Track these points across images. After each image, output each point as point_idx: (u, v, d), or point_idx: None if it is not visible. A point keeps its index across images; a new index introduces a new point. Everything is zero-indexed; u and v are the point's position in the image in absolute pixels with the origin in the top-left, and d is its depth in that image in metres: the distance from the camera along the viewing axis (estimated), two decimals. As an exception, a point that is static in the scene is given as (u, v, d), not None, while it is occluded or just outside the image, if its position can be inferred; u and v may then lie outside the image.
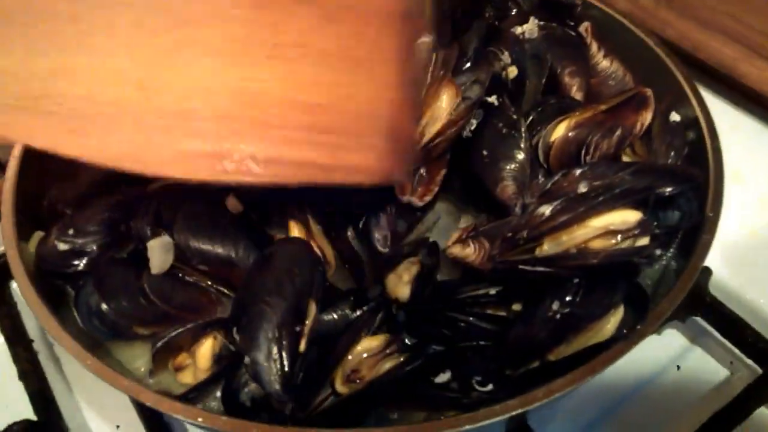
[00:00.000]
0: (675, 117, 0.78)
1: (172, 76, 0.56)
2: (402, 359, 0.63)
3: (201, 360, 0.65)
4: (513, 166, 0.71)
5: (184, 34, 0.57)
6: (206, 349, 0.65)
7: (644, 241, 0.64)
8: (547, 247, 0.64)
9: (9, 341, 0.81)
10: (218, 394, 0.64)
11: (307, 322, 0.61)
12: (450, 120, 0.70)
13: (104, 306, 0.66)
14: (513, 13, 0.88)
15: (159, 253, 0.67)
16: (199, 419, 0.55)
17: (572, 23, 0.88)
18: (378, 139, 0.60)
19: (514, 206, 0.70)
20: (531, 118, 0.78)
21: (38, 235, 0.73)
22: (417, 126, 0.66)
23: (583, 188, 0.66)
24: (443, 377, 0.63)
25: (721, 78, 1.00)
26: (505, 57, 0.79)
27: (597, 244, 0.64)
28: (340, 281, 0.73)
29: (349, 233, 0.72)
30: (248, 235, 0.70)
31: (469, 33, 0.81)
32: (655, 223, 0.65)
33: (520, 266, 0.65)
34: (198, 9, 0.57)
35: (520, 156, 0.72)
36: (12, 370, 0.79)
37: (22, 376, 0.78)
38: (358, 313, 0.66)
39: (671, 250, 0.70)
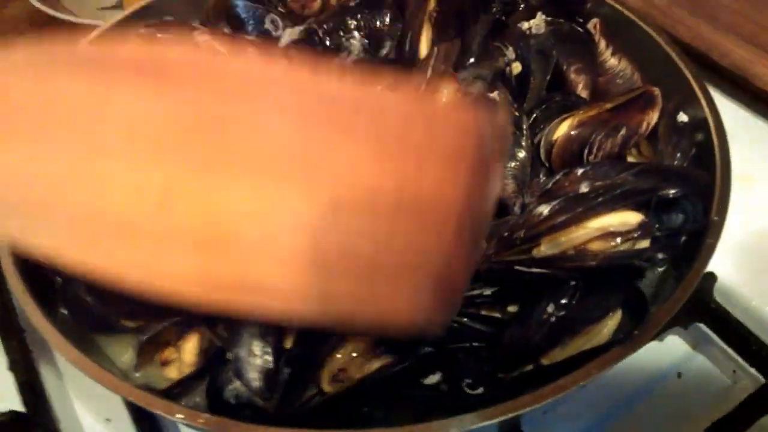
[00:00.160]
0: (683, 117, 0.76)
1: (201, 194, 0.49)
2: (391, 359, 0.61)
3: (186, 355, 0.64)
4: (513, 164, 0.70)
5: (220, 140, 0.49)
6: (192, 344, 0.64)
7: (644, 243, 0.63)
8: (545, 248, 0.63)
9: (1, 331, 0.80)
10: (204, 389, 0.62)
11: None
12: (450, 116, 0.69)
13: (91, 298, 0.65)
14: (521, 9, 0.86)
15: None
16: (178, 416, 0.54)
17: (581, 20, 0.86)
18: (425, 286, 0.51)
19: (514, 205, 0.68)
20: (534, 115, 0.76)
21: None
22: (468, 281, 0.57)
23: (584, 188, 0.64)
24: (433, 379, 0.61)
25: (734, 79, 0.98)
26: (510, 52, 0.78)
27: (596, 246, 0.62)
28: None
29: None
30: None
31: (475, 28, 0.79)
32: (657, 226, 0.64)
33: (516, 267, 0.63)
34: (238, 115, 0.49)
35: (521, 154, 0.70)
36: (3, 361, 0.78)
37: (12, 366, 0.77)
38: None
39: (674, 254, 0.67)
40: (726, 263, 0.77)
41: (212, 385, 0.61)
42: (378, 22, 0.83)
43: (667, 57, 0.80)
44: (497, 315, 0.66)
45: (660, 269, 0.68)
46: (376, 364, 0.61)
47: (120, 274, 0.50)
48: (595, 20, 0.85)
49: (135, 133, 0.49)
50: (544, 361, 0.62)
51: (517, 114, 0.73)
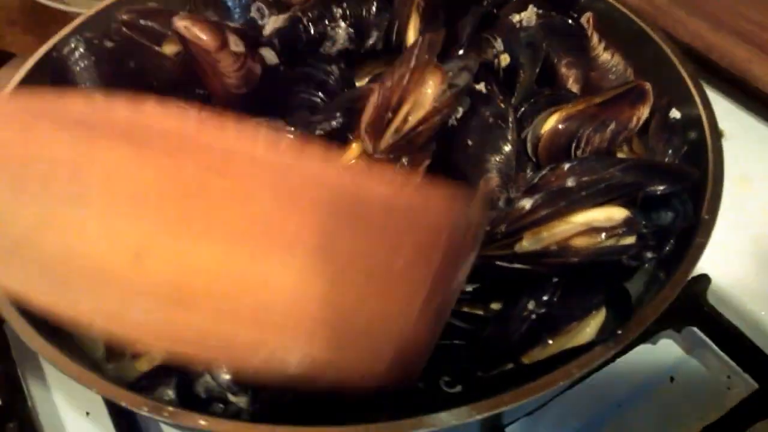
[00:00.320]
0: (675, 114, 0.75)
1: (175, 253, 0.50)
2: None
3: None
4: (498, 157, 0.68)
5: (200, 206, 0.51)
6: (162, 336, 0.63)
7: (630, 240, 0.61)
8: (527, 243, 0.61)
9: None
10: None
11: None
12: (435, 107, 0.67)
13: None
14: (513, 0, 0.84)
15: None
16: (144, 408, 0.52)
17: (575, 14, 0.85)
18: (387, 350, 0.53)
19: (498, 200, 0.66)
20: (523, 109, 0.75)
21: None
22: (429, 351, 0.57)
23: (571, 183, 0.63)
24: (410, 376, 0.59)
25: (732, 80, 0.97)
26: (498, 44, 0.76)
27: (580, 242, 0.60)
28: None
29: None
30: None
31: (464, 19, 0.78)
32: (644, 223, 0.62)
33: (497, 262, 0.61)
34: (218, 187, 0.51)
35: (507, 148, 0.69)
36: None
37: (-10, 357, 0.76)
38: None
39: (663, 252, 0.66)
40: (720, 266, 0.76)
41: (182, 378, 0.60)
42: (364, 12, 0.82)
43: (662, 53, 0.79)
44: (479, 312, 0.64)
45: (649, 269, 0.67)
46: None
47: (88, 321, 0.51)
48: (588, 14, 0.84)
49: (114, 189, 0.50)
50: (525, 360, 0.60)
51: (503, 106, 0.71)
